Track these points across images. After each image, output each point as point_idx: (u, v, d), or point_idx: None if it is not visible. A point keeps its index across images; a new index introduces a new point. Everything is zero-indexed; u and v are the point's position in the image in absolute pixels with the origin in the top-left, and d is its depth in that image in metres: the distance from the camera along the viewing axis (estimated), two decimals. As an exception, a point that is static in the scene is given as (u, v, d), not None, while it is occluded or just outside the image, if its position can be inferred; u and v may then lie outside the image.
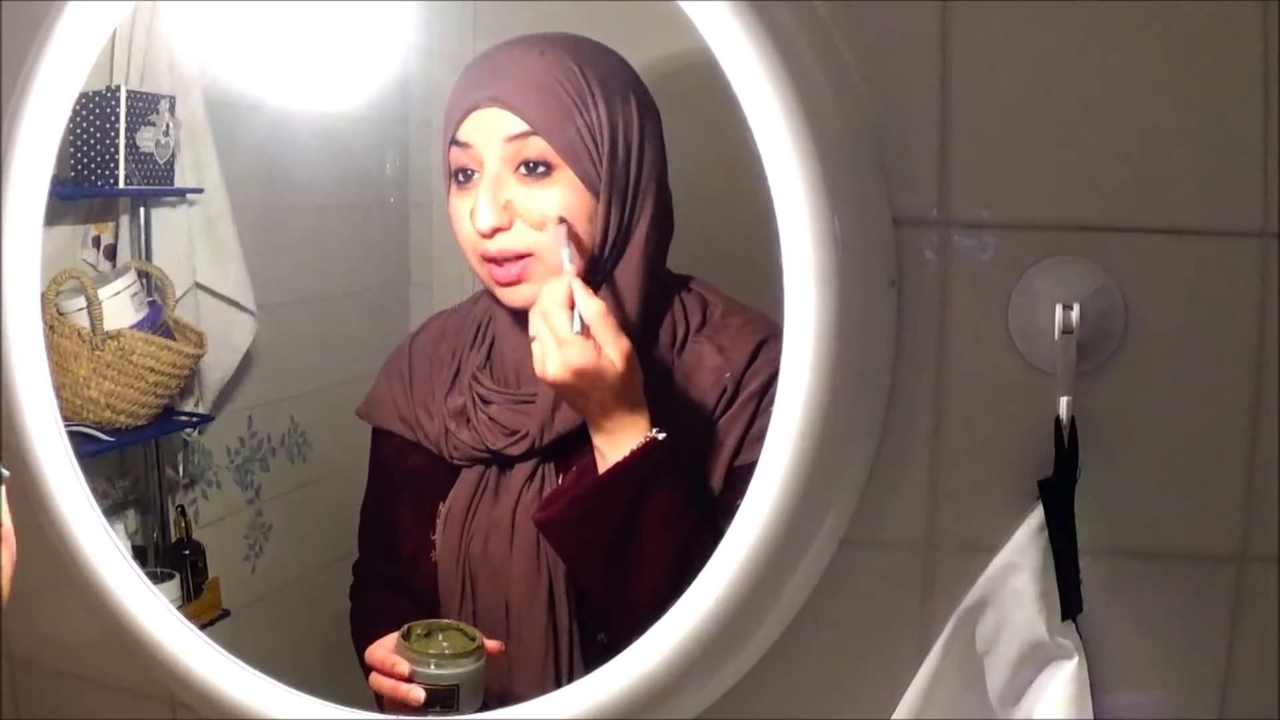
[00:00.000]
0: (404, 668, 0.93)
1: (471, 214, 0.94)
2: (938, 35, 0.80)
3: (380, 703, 0.96)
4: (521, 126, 0.93)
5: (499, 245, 0.94)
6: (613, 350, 0.88)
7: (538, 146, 0.93)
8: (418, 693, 0.92)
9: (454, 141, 0.95)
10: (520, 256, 0.94)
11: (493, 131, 0.93)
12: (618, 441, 0.91)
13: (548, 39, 0.96)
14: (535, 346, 0.89)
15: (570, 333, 0.88)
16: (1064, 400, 0.79)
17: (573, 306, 0.88)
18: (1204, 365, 0.80)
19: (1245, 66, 0.77)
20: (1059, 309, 0.78)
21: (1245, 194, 0.78)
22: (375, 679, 0.95)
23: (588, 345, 0.88)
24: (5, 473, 0.69)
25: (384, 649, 0.95)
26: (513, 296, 0.96)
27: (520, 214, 0.94)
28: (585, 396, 0.90)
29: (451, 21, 1.21)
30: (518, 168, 0.94)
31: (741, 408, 0.93)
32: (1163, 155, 0.79)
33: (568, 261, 0.91)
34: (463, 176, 0.96)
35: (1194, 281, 0.80)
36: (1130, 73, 0.79)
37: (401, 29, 1.23)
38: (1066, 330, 0.78)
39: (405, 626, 0.94)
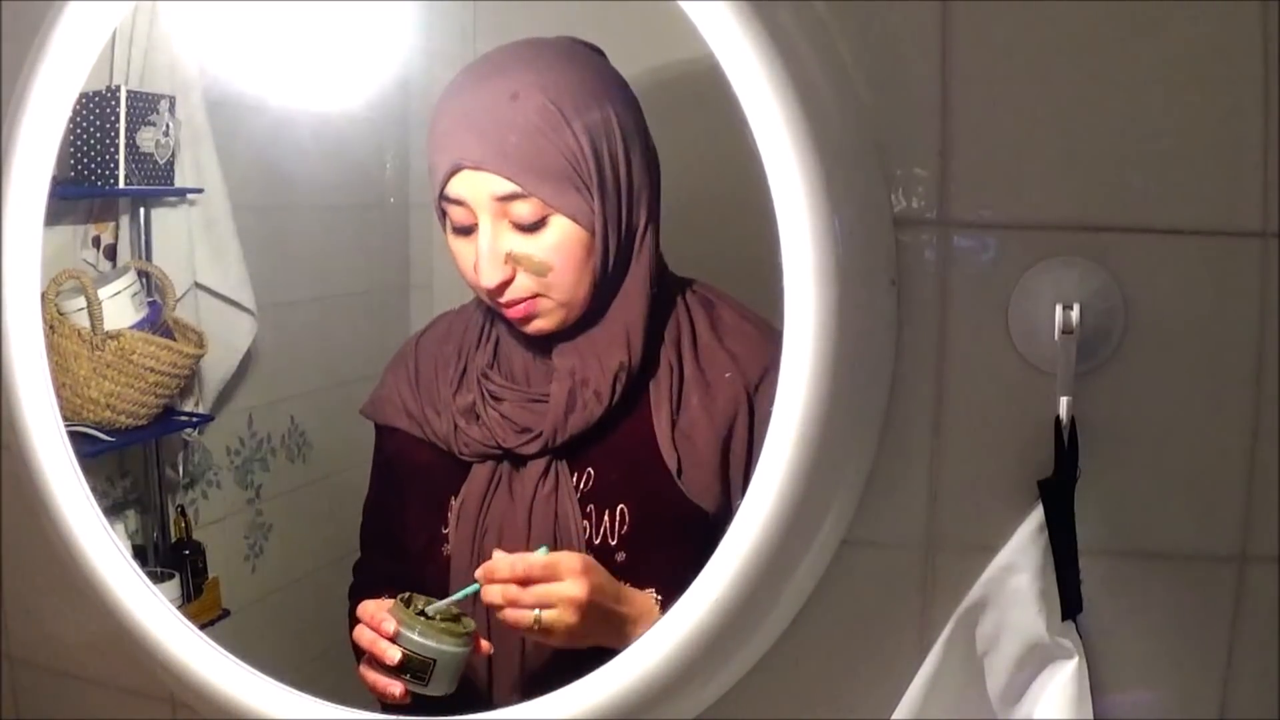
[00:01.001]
0: (390, 626, 0.92)
1: (475, 268, 0.96)
2: (938, 35, 0.80)
3: (358, 659, 0.96)
4: (510, 188, 0.93)
5: (507, 296, 0.96)
6: (574, 588, 0.89)
7: (529, 203, 0.93)
8: (394, 652, 0.91)
9: (444, 197, 0.96)
10: (529, 298, 0.96)
11: (482, 191, 0.94)
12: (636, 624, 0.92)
13: (519, 63, 0.95)
14: (545, 615, 0.90)
15: (537, 613, 0.89)
16: (1064, 400, 0.79)
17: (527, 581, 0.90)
18: (1204, 365, 0.80)
19: (1245, 66, 0.77)
20: (1059, 309, 0.78)
21: (1245, 194, 0.78)
22: (358, 631, 0.95)
23: (566, 608, 0.89)
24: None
25: (376, 605, 0.95)
26: (527, 328, 0.98)
27: (521, 262, 0.95)
28: (598, 622, 0.91)
29: (451, 22, 1.21)
30: (511, 223, 0.94)
31: (760, 425, 0.93)
32: (1163, 155, 0.79)
33: (472, 596, 0.92)
34: (458, 225, 0.97)
35: (1194, 281, 0.80)
36: (1130, 73, 0.79)
37: (401, 29, 1.23)
38: (1066, 330, 0.78)
39: (407, 594, 0.94)
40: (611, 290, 0.97)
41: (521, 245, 0.95)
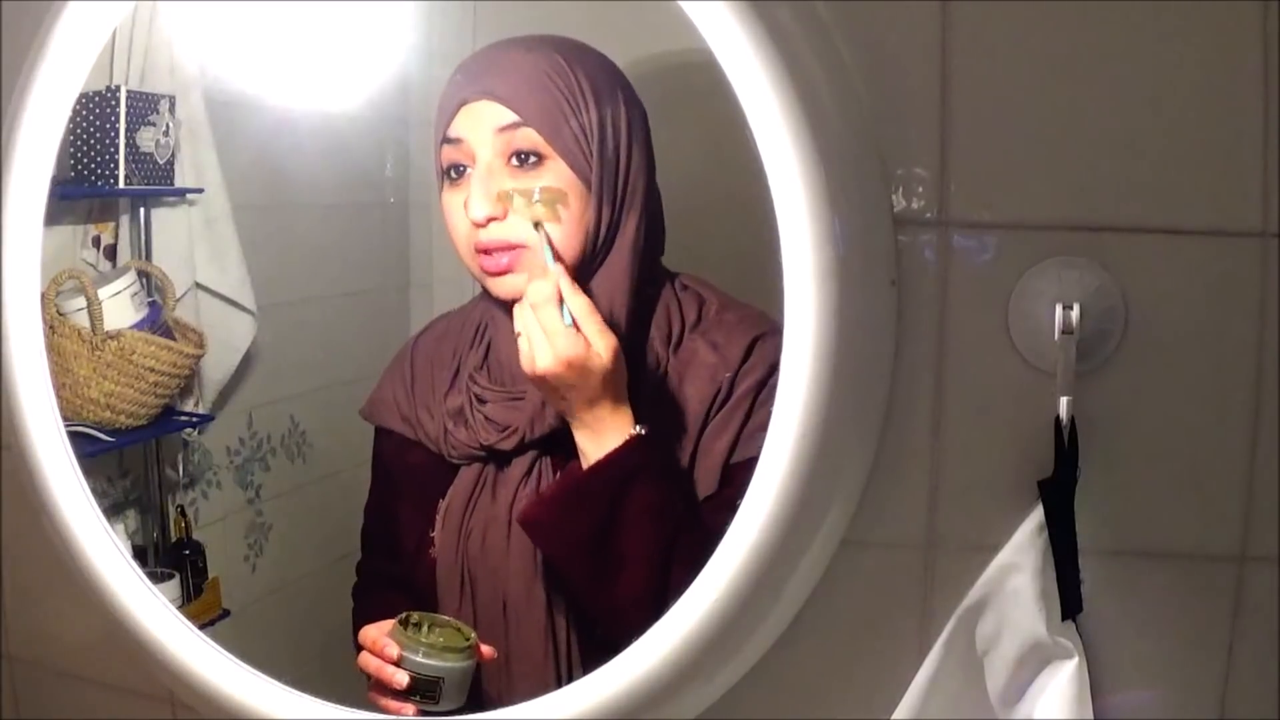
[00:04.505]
0: (393, 651, 0.93)
1: (465, 205, 0.95)
2: (938, 35, 0.80)
3: (368, 683, 0.96)
4: (511, 117, 0.93)
5: (492, 235, 0.95)
6: (600, 344, 0.89)
7: (528, 137, 0.93)
8: (401, 677, 0.93)
9: (445, 139, 0.96)
10: (512, 247, 0.94)
11: (483, 124, 0.94)
12: (601, 437, 0.91)
13: (535, 38, 0.97)
14: (522, 341, 0.90)
15: (560, 325, 0.89)
16: (1064, 400, 0.79)
17: (561, 302, 0.89)
18: (1204, 365, 0.80)
19: (1245, 66, 0.77)
20: (1059, 309, 0.78)
21: (1245, 194, 0.78)
22: (364, 658, 0.96)
23: (577, 338, 0.89)
24: None
25: (378, 630, 0.96)
26: (501, 286, 0.96)
27: (514, 206, 0.94)
28: (572, 389, 0.90)
29: (451, 21, 1.21)
30: (509, 159, 0.94)
31: (736, 405, 0.93)
32: (1163, 155, 0.79)
33: (551, 262, 0.91)
34: (455, 173, 0.96)
35: (1194, 281, 0.80)
36: (1130, 73, 0.79)
37: (401, 29, 1.23)
38: (1066, 330, 0.78)
39: (404, 614, 0.95)
40: (595, 279, 0.95)
41: (518, 185, 0.94)
